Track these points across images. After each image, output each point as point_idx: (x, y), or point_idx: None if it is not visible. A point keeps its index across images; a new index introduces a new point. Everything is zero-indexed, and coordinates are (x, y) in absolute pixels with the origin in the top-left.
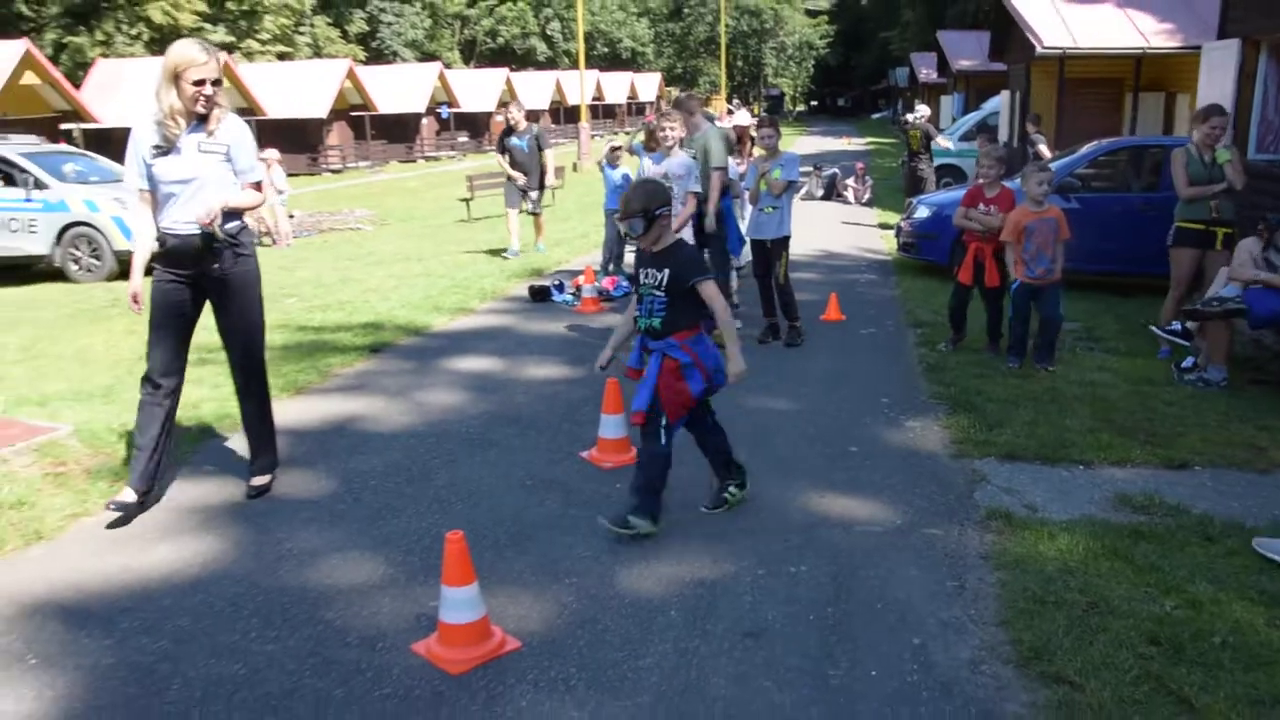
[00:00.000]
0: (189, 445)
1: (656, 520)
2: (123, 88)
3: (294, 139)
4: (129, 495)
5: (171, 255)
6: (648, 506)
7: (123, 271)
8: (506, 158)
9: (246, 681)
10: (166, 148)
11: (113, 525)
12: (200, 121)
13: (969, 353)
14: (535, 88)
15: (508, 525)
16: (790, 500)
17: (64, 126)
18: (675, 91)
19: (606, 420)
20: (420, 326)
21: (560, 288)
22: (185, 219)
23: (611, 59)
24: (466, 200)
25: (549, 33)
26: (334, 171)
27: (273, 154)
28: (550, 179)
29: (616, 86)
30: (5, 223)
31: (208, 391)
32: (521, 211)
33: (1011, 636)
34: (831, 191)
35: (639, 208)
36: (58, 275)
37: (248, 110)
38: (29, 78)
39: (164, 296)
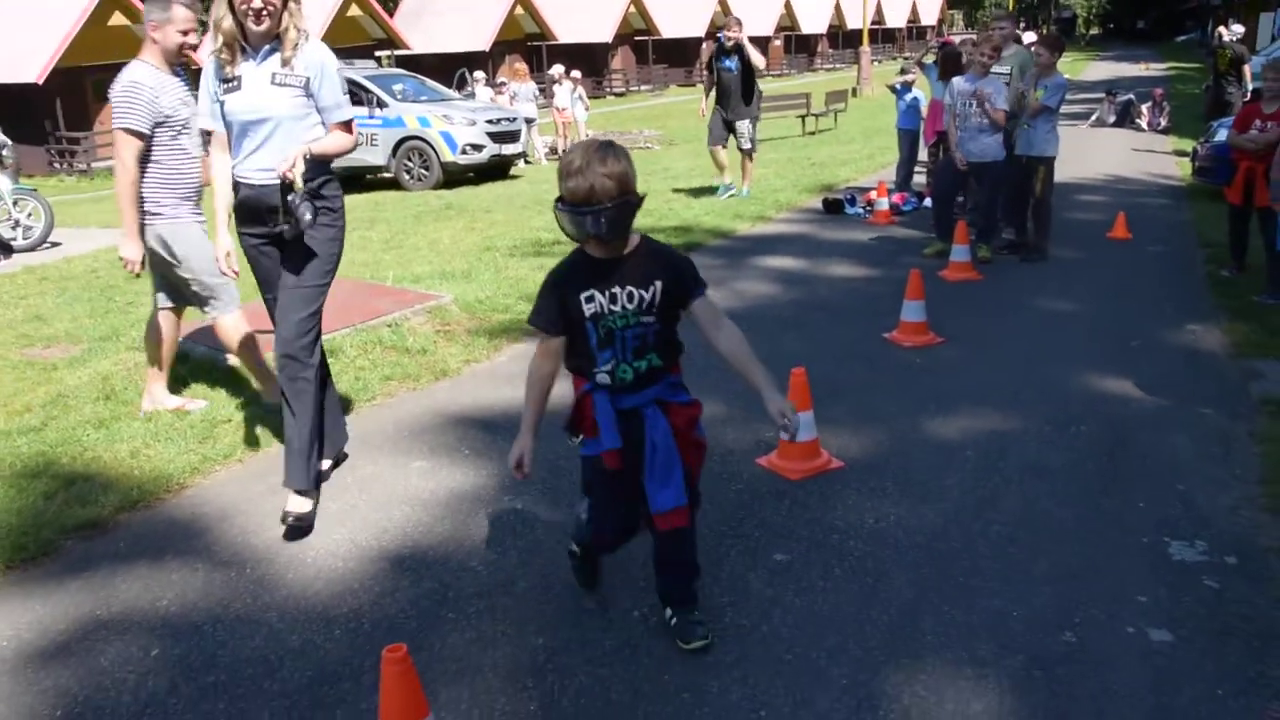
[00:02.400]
0: None
1: None
2: (427, 15)
3: (580, 62)
4: (300, 504)
5: (244, 209)
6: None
7: (448, 180)
8: (711, 80)
9: None
10: (234, 79)
11: (291, 538)
12: (273, 48)
13: (1260, 272)
14: (814, 11)
15: (823, 384)
16: (1073, 379)
17: (377, 54)
18: (957, 15)
19: (909, 305)
20: (726, 230)
21: (852, 201)
22: (257, 167)
23: None
24: None
25: None
26: (617, 94)
27: (577, 75)
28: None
29: (897, 10)
30: None
31: None
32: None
33: (1271, 492)
34: (1126, 118)
35: (617, 190)
36: (392, 184)
37: (539, 35)
38: (353, 10)
39: (254, 264)
